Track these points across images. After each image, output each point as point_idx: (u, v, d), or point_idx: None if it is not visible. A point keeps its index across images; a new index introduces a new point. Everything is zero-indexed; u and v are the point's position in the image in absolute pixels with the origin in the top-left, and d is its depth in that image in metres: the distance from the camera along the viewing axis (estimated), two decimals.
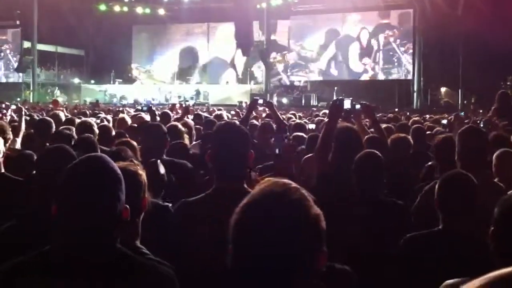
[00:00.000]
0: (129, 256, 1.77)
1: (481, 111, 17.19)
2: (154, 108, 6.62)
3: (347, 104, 3.95)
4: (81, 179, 1.72)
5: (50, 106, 16.98)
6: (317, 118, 8.19)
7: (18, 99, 27.34)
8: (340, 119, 4.03)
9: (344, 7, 27.79)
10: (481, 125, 6.98)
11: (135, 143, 4.09)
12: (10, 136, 5.11)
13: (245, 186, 2.58)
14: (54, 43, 32.08)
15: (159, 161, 4.12)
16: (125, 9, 33.26)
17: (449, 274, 2.01)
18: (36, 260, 1.71)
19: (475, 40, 22.62)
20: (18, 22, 31.98)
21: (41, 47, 31.09)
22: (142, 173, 2.36)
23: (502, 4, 21.43)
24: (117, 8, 33.02)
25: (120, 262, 1.73)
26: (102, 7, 32.86)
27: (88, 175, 1.72)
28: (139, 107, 9.06)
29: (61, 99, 29.26)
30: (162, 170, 4.02)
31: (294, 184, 1.32)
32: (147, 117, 6.90)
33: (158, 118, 6.56)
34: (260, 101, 5.88)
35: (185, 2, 31.58)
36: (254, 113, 7.66)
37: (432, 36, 24.57)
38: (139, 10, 33.38)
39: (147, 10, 33.49)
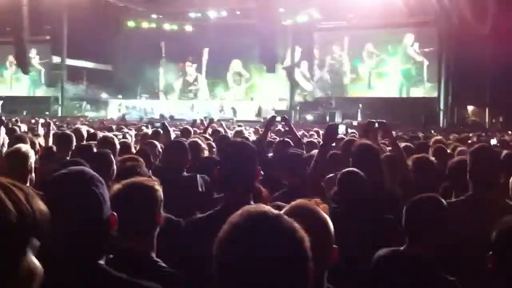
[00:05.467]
0: (106, 272, 1.74)
1: (510, 132, 16.93)
2: (167, 125, 6.67)
3: (342, 129, 4.03)
4: (53, 194, 1.67)
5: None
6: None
7: (47, 113, 27.93)
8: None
9: (368, 24, 27.69)
10: (495, 143, 6.86)
11: (140, 159, 4.13)
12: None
13: (252, 203, 2.60)
14: (83, 58, 32.70)
15: (198, 176, 4.20)
16: (153, 25, 33.83)
17: None
18: None
19: (503, 58, 22.31)
20: (48, 37, 32.76)
21: (70, 62, 31.73)
22: (159, 189, 2.44)
23: None
24: (145, 25, 33.61)
25: (94, 279, 1.71)
26: (131, 23, 33.48)
27: (59, 193, 1.70)
28: (152, 124, 9.15)
29: (89, 113, 29.84)
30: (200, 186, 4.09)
31: (277, 212, 1.27)
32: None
33: (173, 135, 6.61)
34: (278, 118, 5.90)
35: (212, 18, 31.96)
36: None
37: (458, 54, 24.32)
38: (167, 26, 33.93)
39: (175, 27, 34.01)
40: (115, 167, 3.79)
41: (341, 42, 30.05)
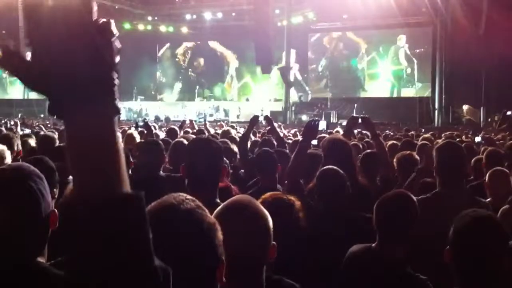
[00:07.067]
0: (45, 270, 1.68)
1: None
2: (150, 124, 6.65)
3: (322, 125, 3.99)
4: None
5: None
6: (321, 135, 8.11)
7: (42, 115, 27.89)
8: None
9: (363, 25, 27.67)
10: (480, 140, 6.87)
11: None
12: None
13: (218, 200, 2.58)
14: None
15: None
16: (149, 27, 33.85)
17: None
18: None
19: (497, 57, 22.31)
20: None
21: None
22: None
23: None
24: (141, 27, 33.61)
25: (31, 278, 1.65)
26: (127, 26, 33.44)
27: None
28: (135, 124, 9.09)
29: None
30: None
31: (189, 197, 1.28)
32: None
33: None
34: (261, 118, 5.90)
35: (207, 20, 31.97)
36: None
37: (453, 53, 24.31)
38: (163, 28, 33.94)
39: (170, 29, 34.02)
40: None
41: (335, 43, 30.06)
